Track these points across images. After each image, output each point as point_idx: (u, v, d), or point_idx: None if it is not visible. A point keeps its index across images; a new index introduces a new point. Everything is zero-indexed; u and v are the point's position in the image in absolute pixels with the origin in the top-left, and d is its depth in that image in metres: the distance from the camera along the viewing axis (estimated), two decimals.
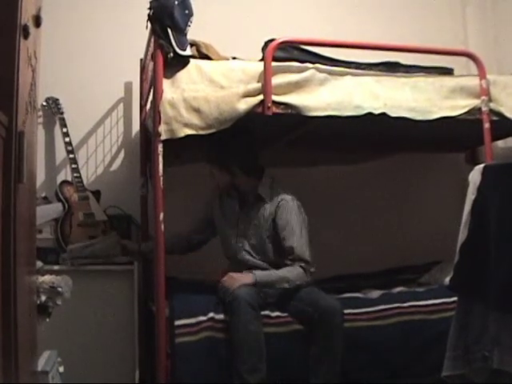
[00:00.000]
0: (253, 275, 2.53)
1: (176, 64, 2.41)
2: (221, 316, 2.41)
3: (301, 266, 2.56)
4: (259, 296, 2.46)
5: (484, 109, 2.70)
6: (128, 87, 3.39)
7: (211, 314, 2.40)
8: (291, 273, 2.56)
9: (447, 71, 2.95)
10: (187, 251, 2.93)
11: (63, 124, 3.11)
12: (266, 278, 2.54)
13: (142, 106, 3.15)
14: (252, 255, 2.68)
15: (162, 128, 2.36)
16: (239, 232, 2.72)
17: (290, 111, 2.50)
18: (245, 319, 2.33)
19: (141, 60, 3.17)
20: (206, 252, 2.93)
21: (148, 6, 2.39)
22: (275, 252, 2.65)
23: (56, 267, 2.69)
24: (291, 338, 2.45)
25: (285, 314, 2.49)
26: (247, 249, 2.69)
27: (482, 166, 1.90)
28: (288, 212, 2.60)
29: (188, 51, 2.43)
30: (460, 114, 2.68)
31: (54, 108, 3.15)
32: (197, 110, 2.40)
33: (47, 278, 1.83)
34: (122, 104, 3.40)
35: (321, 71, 2.58)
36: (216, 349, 2.36)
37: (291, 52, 2.68)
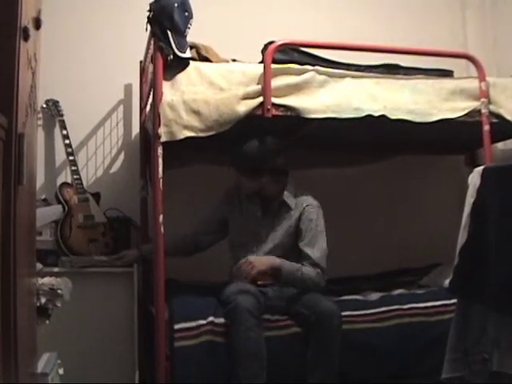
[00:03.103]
0: (279, 261, 2.48)
1: (176, 66, 2.42)
2: (221, 320, 2.39)
3: (318, 272, 2.53)
4: (260, 302, 2.43)
5: (483, 111, 2.71)
6: (128, 89, 3.39)
7: (211, 318, 2.39)
8: (314, 275, 2.51)
9: (447, 73, 2.95)
10: (193, 253, 2.85)
11: (63, 126, 3.10)
12: (291, 269, 2.48)
13: (142, 108, 3.16)
14: None
15: (161, 130, 2.36)
16: (258, 238, 2.66)
17: (289, 113, 2.51)
18: (245, 327, 2.31)
19: (140, 62, 3.17)
20: (206, 254, 2.91)
21: (148, 7, 2.40)
22: (288, 256, 2.57)
23: (56, 269, 2.69)
24: (290, 340, 2.44)
25: (284, 317, 2.48)
26: (260, 255, 2.62)
27: (481, 168, 1.90)
28: (313, 218, 2.58)
29: (188, 53, 2.44)
30: (460, 116, 2.69)
31: (53, 110, 3.15)
32: (196, 112, 2.40)
33: (47, 280, 1.82)
34: (121, 106, 3.40)
35: (320, 73, 2.58)
36: (216, 353, 2.35)
37: (291, 54, 2.69)
